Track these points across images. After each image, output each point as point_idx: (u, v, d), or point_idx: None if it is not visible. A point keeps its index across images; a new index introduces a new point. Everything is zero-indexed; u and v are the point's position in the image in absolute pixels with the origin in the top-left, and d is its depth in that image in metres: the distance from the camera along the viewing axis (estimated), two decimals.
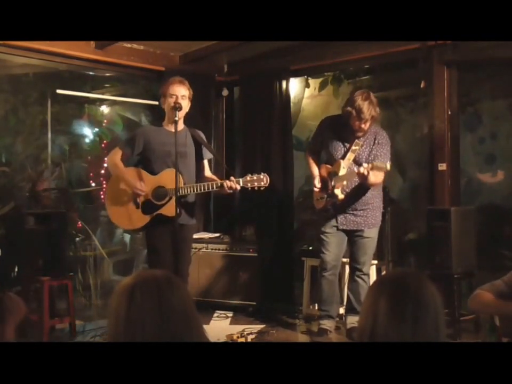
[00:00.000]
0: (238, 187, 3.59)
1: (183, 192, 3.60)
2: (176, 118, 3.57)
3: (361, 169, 3.70)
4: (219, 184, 3.62)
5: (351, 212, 4.05)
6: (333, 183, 3.98)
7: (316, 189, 4.14)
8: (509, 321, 2.18)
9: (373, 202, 4.07)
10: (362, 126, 3.88)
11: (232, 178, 3.60)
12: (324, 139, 4.18)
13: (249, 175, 3.62)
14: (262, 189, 3.65)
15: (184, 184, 3.63)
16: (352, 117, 3.85)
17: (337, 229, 4.09)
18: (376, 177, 3.83)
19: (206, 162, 3.91)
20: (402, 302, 1.33)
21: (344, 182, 3.95)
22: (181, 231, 3.60)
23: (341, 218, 4.07)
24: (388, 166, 3.65)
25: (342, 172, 3.92)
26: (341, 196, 3.95)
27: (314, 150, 4.28)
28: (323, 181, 4.11)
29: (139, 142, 3.73)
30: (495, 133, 5.46)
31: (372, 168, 3.69)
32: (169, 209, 3.61)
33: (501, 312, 2.19)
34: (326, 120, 4.26)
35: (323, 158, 4.22)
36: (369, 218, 4.05)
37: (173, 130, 3.60)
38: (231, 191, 3.61)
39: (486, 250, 4.54)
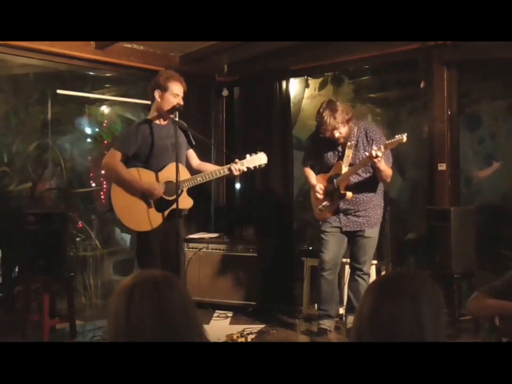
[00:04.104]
0: (245, 168, 3.71)
1: (193, 182, 3.66)
2: (176, 119, 3.56)
3: (374, 152, 3.67)
4: (227, 169, 3.72)
5: (353, 213, 4.05)
6: (336, 185, 3.99)
7: (318, 195, 4.11)
8: (509, 321, 2.18)
9: (374, 200, 4.07)
10: (335, 134, 3.92)
11: (236, 160, 3.71)
12: (316, 151, 4.20)
13: (249, 155, 3.75)
14: (262, 167, 3.80)
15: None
16: (321, 129, 3.95)
17: (341, 231, 4.09)
18: (386, 166, 3.86)
19: (192, 151, 3.91)
20: (399, 302, 1.33)
21: (350, 178, 3.98)
22: (179, 223, 3.62)
23: (344, 220, 4.07)
24: (405, 138, 3.61)
25: (344, 170, 3.94)
26: (349, 194, 3.96)
27: (308, 163, 4.29)
28: (324, 189, 4.11)
29: (136, 140, 3.64)
30: (495, 133, 5.46)
31: (385, 147, 3.69)
32: (183, 202, 3.61)
33: (500, 312, 2.19)
34: (315, 132, 4.22)
35: (318, 170, 4.22)
36: (371, 218, 4.06)
37: (163, 123, 3.71)
38: (239, 174, 3.74)
39: (486, 250, 4.54)
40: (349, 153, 3.98)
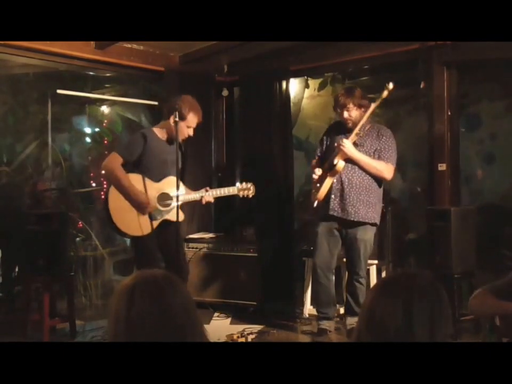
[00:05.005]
0: (212, 199, 3.92)
1: (188, 198, 3.85)
2: (177, 119, 3.65)
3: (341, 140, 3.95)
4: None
5: (345, 200, 4.01)
6: (335, 160, 4.00)
7: (316, 173, 4.12)
8: (509, 321, 2.18)
9: (369, 197, 4.03)
10: (345, 114, 4.03)
11: (207, 188, 3.92)
12: (327, 140, 4.26)
13: (239, 184, 4.03)
14: (250, 197, 4.03)
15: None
16: (336, 110, 4.14)
17: (328, 219, 4.07)
18: (361, 157, 3.98)
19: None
20: (395, 302, 1.33)
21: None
22: (179, 230, 3.76)
23: (334, 203, 4.05)
24: (391, 85, 3.83)
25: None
26: (341, 164, 3.96)
27: (318, 152, 4.33)
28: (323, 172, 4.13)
29: (138, 149, 3.75)
30: (495, 133, 5.46)
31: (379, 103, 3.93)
32: (175, 214, 3.73)
33: (501, 312, 2.19)
34: (331, 124, 4.44)
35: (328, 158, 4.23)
36: (360, 211, 4.00)
37: (165, 138, 3.85)
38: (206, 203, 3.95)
39: (486, 250, 4.54)
40: (354, 138, 3.99)
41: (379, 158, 4.02)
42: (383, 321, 1.32)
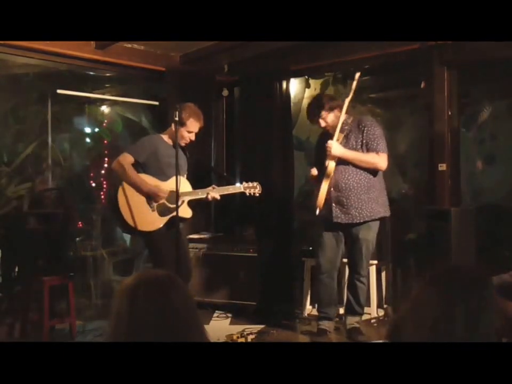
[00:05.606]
0: (218, 197, 4.04)
1: (194, 196, 4.00)
2: (176, 118, 3.79)
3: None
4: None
5: (346, 205, 3.99)
6: (326, 163, 3.99)
7: (312, 173, 4.14)
8: (509, 321, 2.18)
9: (369, 194, 4.01)
10: (322, 123, 4.08)
11: (214, 186, 4.09)
12: (318, 151, 4.27)
13: (245, 183, 4.15)
14: (256, 195, 4.16)
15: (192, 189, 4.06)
16: (312, 121, 4.23)
17: (332, 223, 4.05)
18: (347, 153, 3.96)
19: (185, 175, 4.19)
20: (452, 296, 1.32)
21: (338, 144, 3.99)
22: (183, 230, 3.97)
23: (336, 211, 4.03)
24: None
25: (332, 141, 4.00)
26: (332, 165, 3.95)
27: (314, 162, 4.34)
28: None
29: (147, 150, 3.96)
30: (495, 133, 5.46)
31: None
32: (183, 211, 3.89)
33: (499, 310, 2.19)
34: (319, 136, 4.43)
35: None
36: (364, 210, 3.98)
37: (171, 143, 4.01)
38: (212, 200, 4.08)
39: (486, 250, 4.54)
40: (339, 136, 4.00)
41: (368, 150, 3.99)
42: (430, 313, 1.32)
